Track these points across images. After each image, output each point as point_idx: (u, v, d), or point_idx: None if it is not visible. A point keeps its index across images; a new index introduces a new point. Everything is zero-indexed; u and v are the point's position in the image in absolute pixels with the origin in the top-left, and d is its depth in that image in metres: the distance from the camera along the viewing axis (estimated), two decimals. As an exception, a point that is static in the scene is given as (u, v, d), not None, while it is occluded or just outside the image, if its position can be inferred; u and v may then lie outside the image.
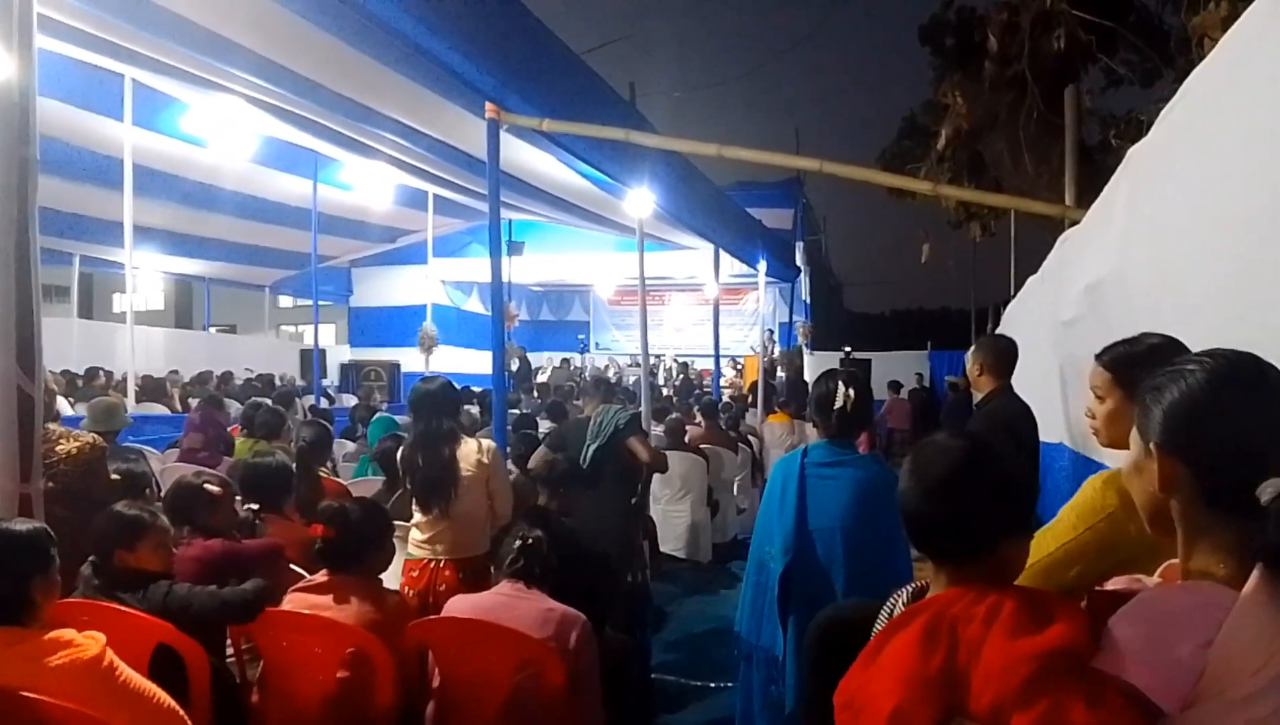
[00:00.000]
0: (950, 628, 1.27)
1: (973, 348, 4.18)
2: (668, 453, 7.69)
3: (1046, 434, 4.31)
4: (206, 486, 3.41)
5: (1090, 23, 7.19)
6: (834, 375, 3.13)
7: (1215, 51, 2.24)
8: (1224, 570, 1.11)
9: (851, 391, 3.03)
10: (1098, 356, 2.08)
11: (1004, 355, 3.95)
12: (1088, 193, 5.16)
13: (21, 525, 2.28)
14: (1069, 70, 7.54)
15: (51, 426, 3.36)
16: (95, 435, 3.48)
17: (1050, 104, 7.32)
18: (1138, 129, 6.80)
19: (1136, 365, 1.91)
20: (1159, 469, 1.18)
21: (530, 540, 3.14)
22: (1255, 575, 1.05)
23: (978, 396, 4.07)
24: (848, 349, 19.72)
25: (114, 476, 3.70)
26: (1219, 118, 2.15)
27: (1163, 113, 2.80)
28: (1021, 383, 4.06)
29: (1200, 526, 1.15)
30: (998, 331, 7.59)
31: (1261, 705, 1.02)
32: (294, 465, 4.22)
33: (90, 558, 2.84)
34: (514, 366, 15.53)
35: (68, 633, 2.19)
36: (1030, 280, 6.97)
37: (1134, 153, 3.18)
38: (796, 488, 2.99)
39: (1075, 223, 4.64)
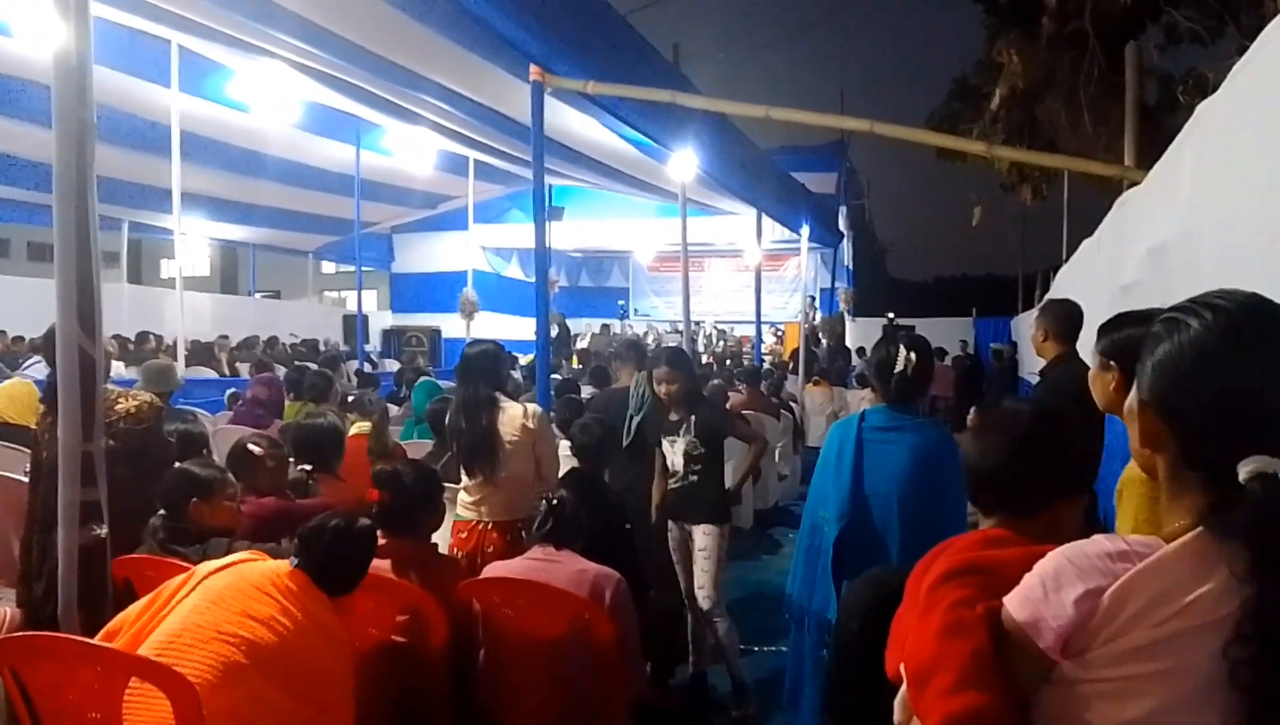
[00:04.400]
0: (949, 548, 1.33)
1: (1037, 312, 4.10)
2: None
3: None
4: (250, 447, 3.47)
5: (1155, -24, 6.97)
6: (895, 339, 3.09)
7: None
8: (1182, 531, 1.05)
9: (913, 355, 2.99)
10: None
11: (1070, 320, 3.87)
12: (1147, 153, 5.01)
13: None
14: (1131, 27, 7.31)
15: (109, 387, 3.42)
16: (153, 395, 3.53)
17: (1110, 62, 7.10)
18: (1202, 87, 6.60)
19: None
20: (1141, 424, 1.13)
21: (555, 501, 3.15)
22: (1191, 533, 1.02)
23: (1041, 362, 3.99)
24: (891, 315, 19.51)
25: (169, 438, 3.77)
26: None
27: (1233, 70, 2.69)
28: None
29: (1179, 487, 1.10)
30: (1051, 296, 7.46)
31: (1155, 660, 0.99)
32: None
33: (160, 512, 2.90)
34: (553, 333, 15.58)
35: None
36: (1085, 244, 6.82)
37: (1202, 111, 3.08)
38: (854, 452, 2.97)
39: (1135, 184, 4.52)
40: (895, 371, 2.99)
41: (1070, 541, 1.43)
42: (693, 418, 4.20)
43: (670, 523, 4.38)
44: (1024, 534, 1.35)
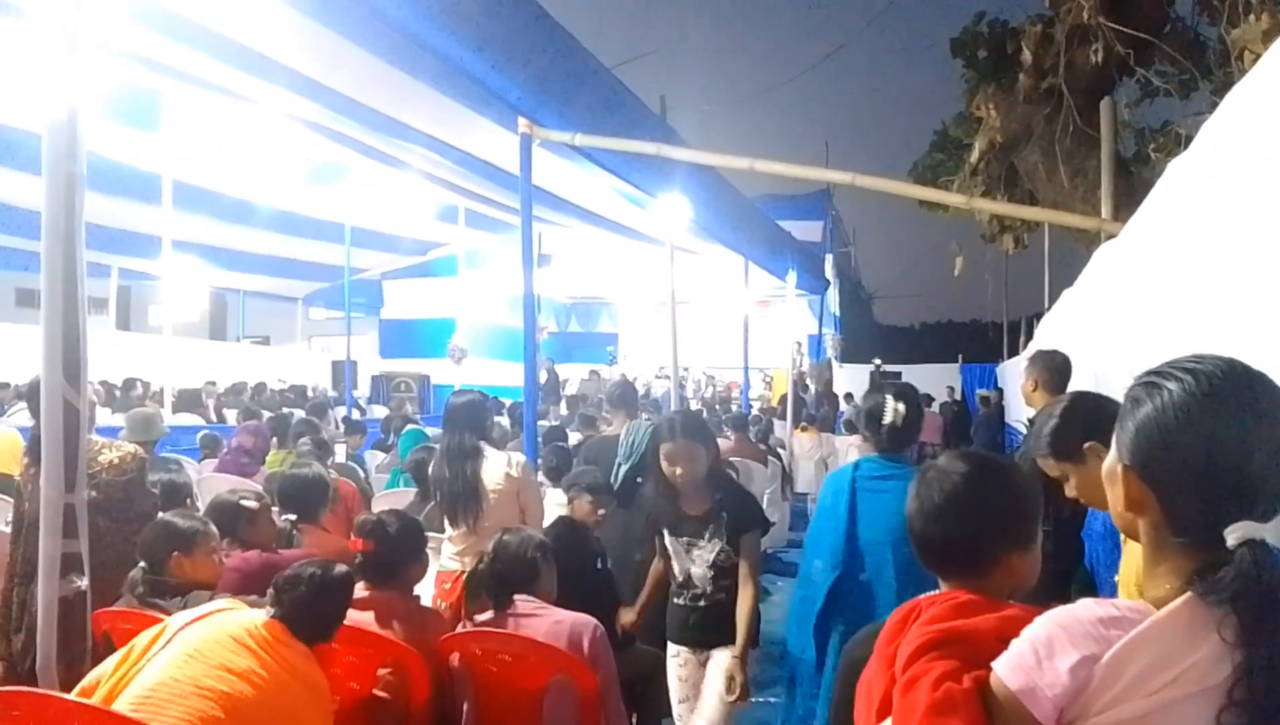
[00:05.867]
0: (916, 614, 1.33)
1: (1027, 362, 4.14)
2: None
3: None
4: (243, 502, 3.45)
5: (1126, 35, 7.14)
6: (884, 389, 3.10)
7: (1260, 64, 2.22)
8: (1170, 596, 1.05)
9: (901, 406, 3.00)
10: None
11: (1059, 371, 3.93)
12: (1124, 206, 5.12)
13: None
14: (1105, 82, 7.49)
15: (93, 437, 3.41)
16: (137, 446, 3.53)
17: (1085, 116, 7.28)
18: (1176, 141, 6.75)
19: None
20: (1125, 489, 1.13)
21: (491, 557, 3.08)
22: (1181, 599, 1.03)
23: (1030, 411, 4.03)
24: (878, 361, 19.62)
25: (153, 488, 3.76)
26: (1264, 131, 2.13)
27: (1204, 126, 2.77)
28: (1057, 398, 4.01)
29: (1163, 551, 1.10)
30: (1034, 345, 7.54)
31: None
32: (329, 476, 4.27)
33: (140, 564, 2.89)
34: (542, 379, 15.57)
35: None
36: (1065, 293, 6.91)
37: (1175, 166, 3.15)
38: (847, 501, 2.97)
39: (1112, 236, 4.61)
40: (885, 422, 3.00)
41: (1028, 589, 1.44)
42: (724, 515, 3.17)
43: (677, 647, 3.36)
44: (983, 592, 1.36)
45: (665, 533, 3.31)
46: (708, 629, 3.23)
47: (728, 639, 3.13)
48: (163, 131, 9.13)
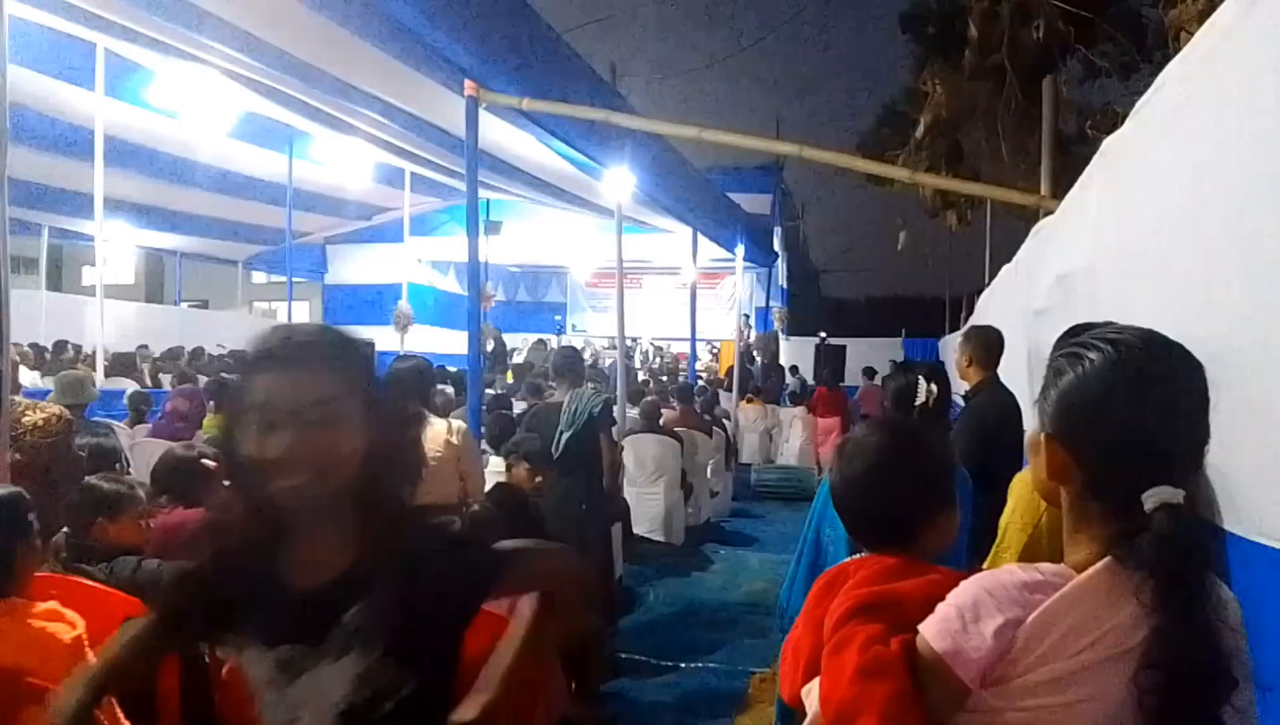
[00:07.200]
0: (844, 578, 1.35)
1: (961, 339, 4.20)
2: (643, 435, 7.74)
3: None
4: (204, 460, 3.37)
5: (1070, 14, 7.24)
6: (913, 368, 3.10)
7: (1190, 45, 2.26)
8: (1091, 560, 1.08)
9: (934, 386, 3.01)
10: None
11: (993, 347, 4.00)
12: (1064, 183, 5.22)
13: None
14: (1047, 61, 7.61)
15: (18, 398, 3.32)
16: (63, 408, 3.43)
17: (1028, 94, 7.38)
18: (1114, 121, 6.87)
19: None
20: (1048, 457, 1.15)
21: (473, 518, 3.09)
22: (1101, 564, 1.06)
23: (965, 387, 4.10)
24: (823, 334, 19.80)
25: (80, 452, 3.65)
26: (1193, 111, 2.18)
27: (1138, 105, 2.83)
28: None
29: (1084, 517, 1.13)
30: (974, 320, 7.68)
31: (1072, 690, 1.03)
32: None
33: (64, 529, 2.81)
34: (489, 347, 15.46)
35: (51, 608, 2.16)
36: (1004, 269, 7.04)
37: (1109, 144, 3.21)
38: None
39: (1050, 213, 4.68)
40: (917, 402, 3.00)
41: (946, 548, 1.48)
42: (387, 588, 1.27)
43: None
44: (909, 555, 1.38)
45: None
46: None
47: None
48: (97, 86, 8.82)
